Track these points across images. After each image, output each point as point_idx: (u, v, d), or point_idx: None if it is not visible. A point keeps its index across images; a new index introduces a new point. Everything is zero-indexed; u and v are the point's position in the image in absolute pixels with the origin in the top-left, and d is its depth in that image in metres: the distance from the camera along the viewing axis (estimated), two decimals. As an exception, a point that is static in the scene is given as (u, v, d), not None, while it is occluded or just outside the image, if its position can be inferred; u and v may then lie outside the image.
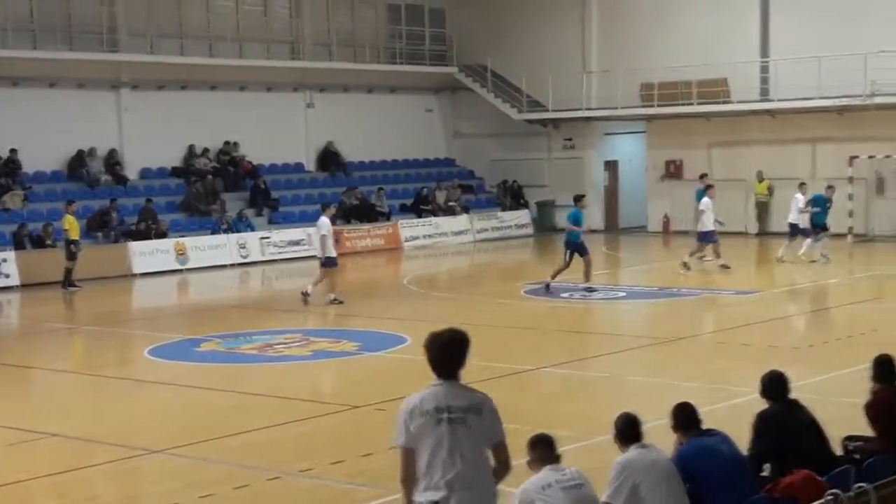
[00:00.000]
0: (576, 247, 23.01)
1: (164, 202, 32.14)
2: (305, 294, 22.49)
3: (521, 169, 38.61)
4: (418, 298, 24.09)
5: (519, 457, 7.20)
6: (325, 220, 22.57)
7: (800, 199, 26.68)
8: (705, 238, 25.69)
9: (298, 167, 36.34)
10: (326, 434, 12.53)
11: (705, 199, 25.70)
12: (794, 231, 26.77)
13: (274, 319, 21.39)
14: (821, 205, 26.33)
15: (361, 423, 12.91)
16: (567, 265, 22.98)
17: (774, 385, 8.34)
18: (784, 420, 8.12)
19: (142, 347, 18.23)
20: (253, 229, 32.13)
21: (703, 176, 28.84)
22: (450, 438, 6.15)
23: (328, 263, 22.42)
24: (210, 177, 33.14)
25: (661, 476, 7.15)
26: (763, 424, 8.15)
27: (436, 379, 6.27)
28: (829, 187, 27.20)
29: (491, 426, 6.35)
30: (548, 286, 23.00)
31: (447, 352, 6.26)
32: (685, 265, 25.30)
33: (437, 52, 39.18)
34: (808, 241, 26.29)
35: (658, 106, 34.71)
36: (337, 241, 32.69)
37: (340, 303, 22.11)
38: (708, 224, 25.43)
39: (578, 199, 24.26)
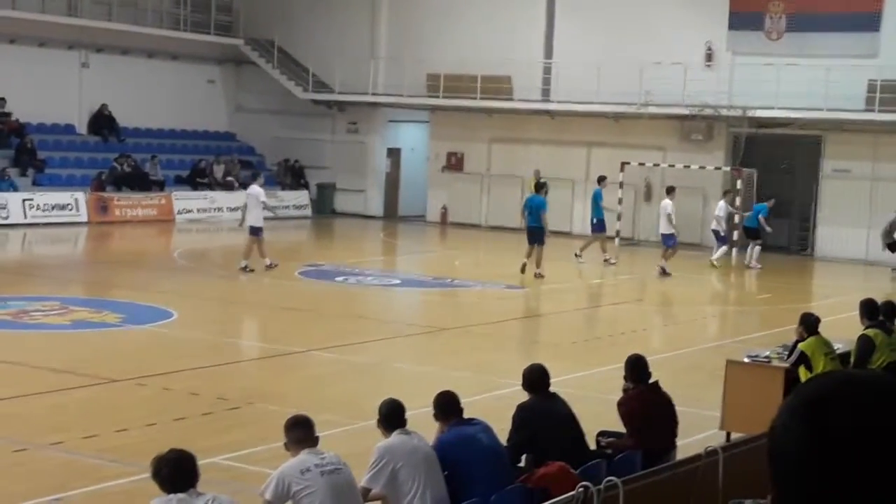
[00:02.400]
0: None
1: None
2: (246, 269, 22.56)
3: (303, 149, 38.23)
4: (188, 273, 23.49)
5: (280, 439, 7.06)
6: (257, 188, 23.18)
7: (721, 207, 27.43)
8: (668, 242, 25.60)
9: (69, 128, 34.82)
10: (81, 407, 12.04)
11: (665, 202, 25.99)
12: (721, 239, 27.39)
13: (32, 285, 20.39)
14: (762, 213, 27.31)
15: (119, 398, 12.48)
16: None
17: (535, 378, 8.51)
18: (542, 412, 8.28)
19: None
20: (16, 190, 30.56)
21: (601, 179, 28.36)
22: None
23: (255, 232, 22.68)
24: (-28, 131, 31.33)
25: (420, 462, 7.16)
26: (522, 415, 8.29)
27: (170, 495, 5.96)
28: (772, 199, 28.00)
29: None
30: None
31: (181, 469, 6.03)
32: (663, 270, 25.27)
33: (222, 23, 38.29)
34: (723, 248, 27.15)
35: (443, 97, 35.04)
36: (105, 208, 31.68)
37: (251, 271, 22.36)
38: (666, 228, 25.62)
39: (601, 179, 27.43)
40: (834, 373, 1.77)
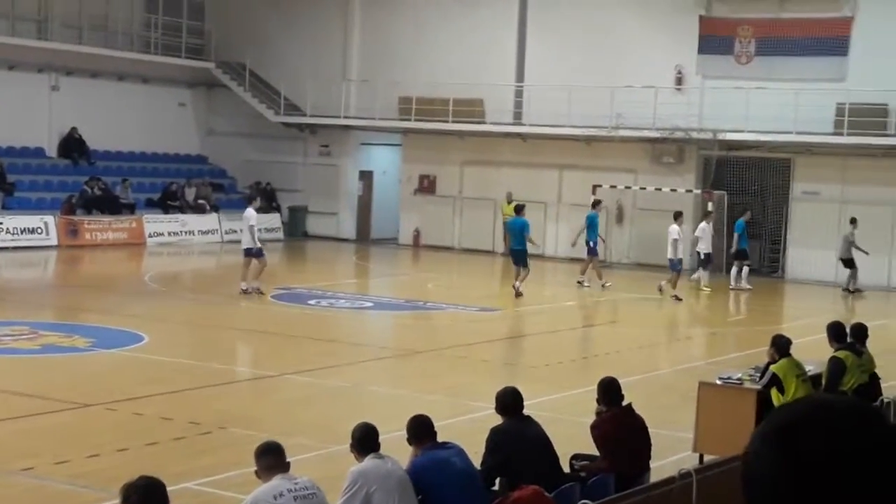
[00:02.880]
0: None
1: None
2: (246, 291, 22.66)
3: (275, 172, 38.17)
4: (159, 297, 23.35)
5: (253, 463, 7.01)
6: (251, 212, 23.04)
7: (703, 229, 27.17)
8: (675, 266, 25.59)
9: (39, 152, 34.61)
10: (51, 432, 11.93)
11: (672, 227, 25.85)
12: (708, 260, 27.26)
13: (1, 310, 20.20)
14: (742, 231, 27.31)
15: (90, 423, 12.37)
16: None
17: (508, 401, 8.50)
18: (516, 436, 8.27)
19: None
20: (-15, 214, 30.34)
21: (596, 203, 28.64)
22: None
23: (255, 253, 22.69)
24: (-59, 155, 31.08)
25: (394, 486, 7.13)
26: (496, 439, 8.28)
27: None
28: (747, 211, 28.24)
29: None
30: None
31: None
32: (660, 289, 25.49)
33: (194, 46, 38.24)
34: (703, 270, 27.09)
35: (415, 120, 35.10)
36: (76, 232, 31.48)
37: (262, 293, 22.47)
38: (672, 253, 25.55)
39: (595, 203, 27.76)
40: (805, 399, 1.80)
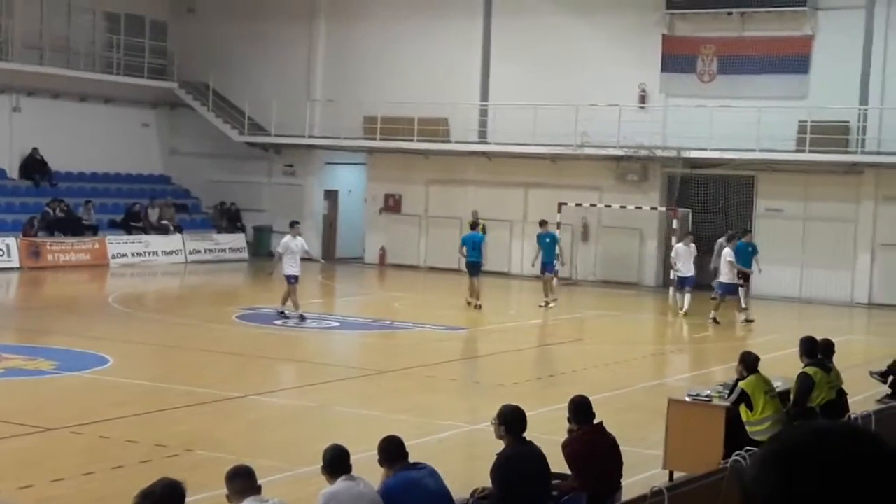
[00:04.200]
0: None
1: None
2: (284, 313, 22.55)
3: (239, 191, 38.02)
4: (123, 318, 23.14)
5: (221, 486, 6.93)
6: (299, 241, 22.92)
7: (681, 250, 26.13)
8: (727, 289, 24.76)
9: (0, 173, 34.30)
10: (15, 457, 11.76)
11: (727, 250, 24.92)
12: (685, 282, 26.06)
13: (-37, 333, 19.93)
14: (743, 252, 25.36)
15: (54, 447, 12.21)
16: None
17: (512, 420, 8.40)
18: (520, 461, 8.21)
19: None
20: (-55, 236, 29.99)
21: (543, 223, 28.62)
22: None
23: (294, 280, 22.40)
24: None
25: (367, 509, 7.06)
26: (504, 467, 8.16)
27: None
28: (747, 232, 26.86)
29: None
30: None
31: None
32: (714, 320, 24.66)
33: (156, 66, 38.07)
34: (681, 294, 26.02)
35: (380, 139, 35.08)
36: (38, 253, 31.17)
37: (287, 318, 22.30)
38: (727, 275, 24.71)
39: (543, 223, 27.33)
40: (804, 426, 1.82)
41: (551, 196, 32.56)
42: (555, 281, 27.70)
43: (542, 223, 27.66)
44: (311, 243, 37.75)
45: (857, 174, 30.14)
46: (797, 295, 29.96)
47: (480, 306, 25.21)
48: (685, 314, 25.64)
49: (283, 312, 22.59)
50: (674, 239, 29.31)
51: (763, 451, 1.75)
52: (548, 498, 8.19)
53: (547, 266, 26.76)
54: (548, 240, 27.10)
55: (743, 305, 25.42)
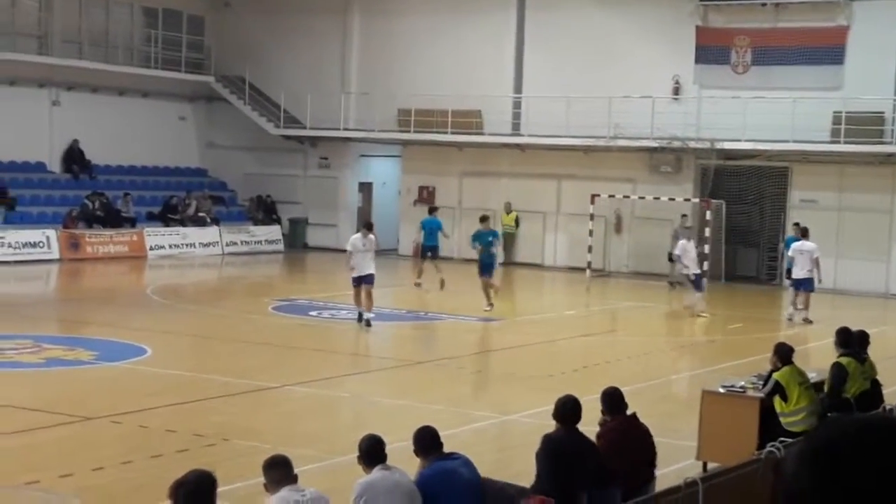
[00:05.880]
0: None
1: None
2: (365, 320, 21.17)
3: (275, 184, 38.27)
4: (161, 309, 23.41)
5: (257, 475, 7.07)
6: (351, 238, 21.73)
7: (684, 247, 24.61)
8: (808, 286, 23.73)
9: (40, 166, 34.71)
10: (55, 446, 11.97)
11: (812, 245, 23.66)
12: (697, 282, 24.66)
13: (4, 324, 20.24)
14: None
15: (94, 436, 12.42)
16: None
17: (566, 411, 8.50)
18: (568, 447, 8.30)
19: None
20: (-14, 228, 30.41)
21: (434, 209, 29.19)
22: None
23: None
24: (-58, 170, 31.15)
25: (402, 498, 7.19)
26: (549, 447, 8.29)
27: None
28: (795, 224, 25.71)
29: None
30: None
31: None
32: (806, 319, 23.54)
33: (193, 60, 38.36)
34: (698, 294, 24.42)
35: (414, 132, 35.19)
36: (77, 245, 31.55)
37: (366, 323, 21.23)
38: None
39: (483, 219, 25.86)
40: (843, 420, 1.80)
41: (584, 188, 32.56)
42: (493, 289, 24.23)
43: (432, 210, 28.87)
44: (346, 235, 37.91)
45: (891, 165, 29.93)
46: (832, 286, 29.81)
47: (420, 284, 26.60)
48: (698, 315, 24.25)
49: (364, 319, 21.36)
50: (707, 230, 29.26)
51: (803, 447, 1.75)
52: (590, 487, 8.24)
53: (486, 267, 23.92)
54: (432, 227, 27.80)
55: (687, 304, 25.02)
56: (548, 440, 8.28)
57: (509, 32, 34.84)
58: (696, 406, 11.54)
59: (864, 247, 29.75)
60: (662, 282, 30.14)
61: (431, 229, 27.68)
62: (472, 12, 35.16)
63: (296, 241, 37.63)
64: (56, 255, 30.77)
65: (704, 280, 25.58)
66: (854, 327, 12.98)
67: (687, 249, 24.71)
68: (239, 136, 38.53)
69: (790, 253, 24.26)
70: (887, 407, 11.26)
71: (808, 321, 23.51)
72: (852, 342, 12.17)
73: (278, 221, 37.72)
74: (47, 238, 30.87)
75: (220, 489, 10.22)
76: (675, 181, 32.44)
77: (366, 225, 23.13)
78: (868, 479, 1.67)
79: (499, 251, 26.03)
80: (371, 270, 21.05)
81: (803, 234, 24.48)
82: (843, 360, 11.84)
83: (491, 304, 23.57)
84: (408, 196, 36.89)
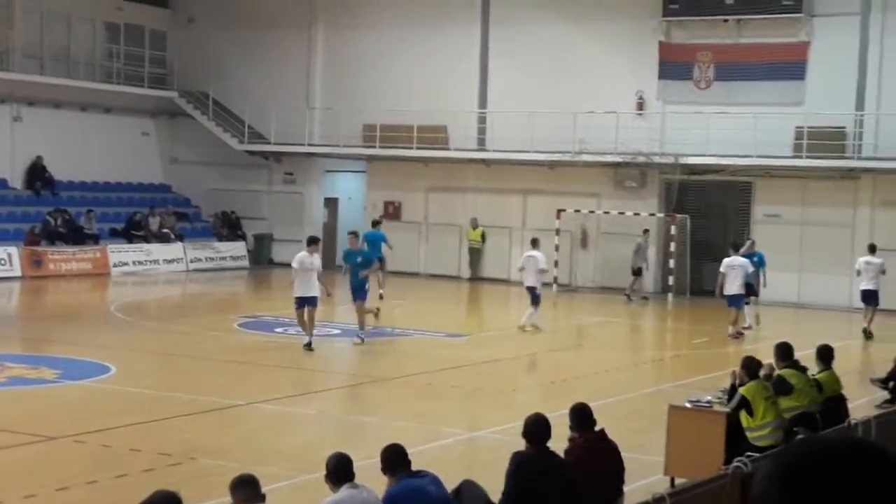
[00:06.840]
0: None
1: None
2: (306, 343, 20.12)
3: (239, 200, 38.13)
4: (125, 327, 23.22)
5: (224, 495, 7.02)
6: (297, 255, 21.24)
7: (538, 258, 24.00)
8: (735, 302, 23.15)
9: (2, 183, 34.40)
10: (19, 466, 11.84)
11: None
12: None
13: (-35, 343, 20.01)
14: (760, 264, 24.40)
15: (57, 456, 12.28)
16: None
17: (534, 429, 8.47)
18: (538, 467, 8.28)
19: None
20: (-54, 245, 30.07)
21: (378, 222, 29.00)
22: None
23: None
24: None
25: (370, 516, 7.15)
26: (517, 466, 8.25)
27: None
28: (751, 241, 25.57)
29: None
30: None
31: None
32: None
33: (156, 75, 38.18)
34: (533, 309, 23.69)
35: (379, 147, 35.19)
36: (39, 262, 31.26)
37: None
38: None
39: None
40: (809, 439, 1.82)
41: (550, 203, 32.68)
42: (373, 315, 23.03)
43: (375, 223, 28.39)
44: (311, 251, 37.89)
45: (853, 179, 30.25)
46: (795, 300, 30.05)
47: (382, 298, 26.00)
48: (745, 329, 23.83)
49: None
50: (672, 245, 29.42)
51: (771, 468, 1.75)
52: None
53: (355, 291, 21.75)
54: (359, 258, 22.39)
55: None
56: (517, 460, 8.27)
57: (474, 47, 34.95)
58: (663, 421, 11.58)
59: (827, 261, 30.02)
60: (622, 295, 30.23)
61: (375, 241, 27.29)
62: (437, 27, 35.25)
63: (261, 256, 37.48)
64: (18, 273, 30.49)
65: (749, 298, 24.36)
66: (818, 342, 13.09)
67: (538, 259, 23.83)
68: (203, 151, 38.37)
69: (722, 269, 23.41)
70: (852, 422, 11.34)
71: (738, 335, 23.21)
72: (791, 355, 12.38)
73: (243, 237, 37.57)
74: (9, 255, 30.58)
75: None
76: (639, 196, 32.62)
77: (311, 240, 20.96)
78: (835, 499, 1.68)
79: (377, 274, 25.27)
80: (315, 293, 19.91)
81: (735, 248, 24.02)
82: (785, 371, 11.99)
83: (362, 339, 21.15)
84: (373, 211, 36.84)
